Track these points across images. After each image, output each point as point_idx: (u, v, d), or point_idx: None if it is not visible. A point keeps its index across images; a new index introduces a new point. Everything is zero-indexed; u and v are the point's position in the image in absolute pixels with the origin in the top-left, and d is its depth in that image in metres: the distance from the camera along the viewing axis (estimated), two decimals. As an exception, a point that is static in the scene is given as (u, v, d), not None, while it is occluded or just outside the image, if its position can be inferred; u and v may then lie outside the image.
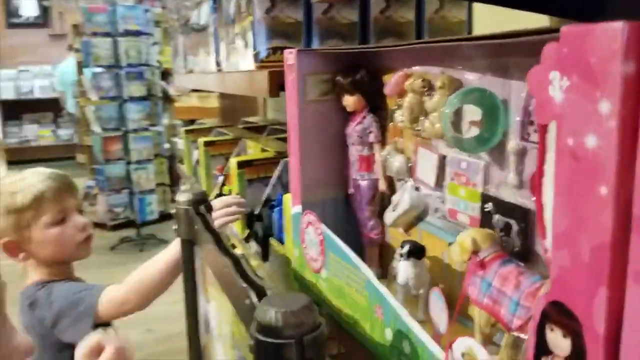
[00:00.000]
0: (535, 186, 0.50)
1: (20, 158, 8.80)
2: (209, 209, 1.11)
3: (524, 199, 0.58)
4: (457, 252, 0.57)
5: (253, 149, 1.64)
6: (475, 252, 0.55)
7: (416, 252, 0.67)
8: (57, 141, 9.13)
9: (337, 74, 0.83)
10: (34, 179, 1.28)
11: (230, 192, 1.57)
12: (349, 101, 0.82)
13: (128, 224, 5.02)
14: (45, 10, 9.23)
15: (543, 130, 0.48)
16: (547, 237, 0.49)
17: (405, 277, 0.68)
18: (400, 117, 0.73)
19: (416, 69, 0.73)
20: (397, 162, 0.76)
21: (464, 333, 0.59)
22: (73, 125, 8.03)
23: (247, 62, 1.07)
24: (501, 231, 0.61)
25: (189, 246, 1.12)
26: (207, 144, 1.74)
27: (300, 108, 0.83)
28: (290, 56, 0.82)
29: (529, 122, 0.55)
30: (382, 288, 0.65)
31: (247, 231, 1.33)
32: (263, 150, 1.54)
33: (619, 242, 0.36)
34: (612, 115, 0.35)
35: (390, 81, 0.75)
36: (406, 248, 0.67)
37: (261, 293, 0.67)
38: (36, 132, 9.16)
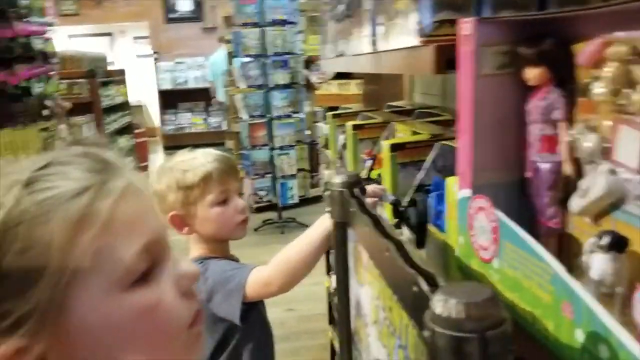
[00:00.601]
0: None
1: (175, 144, 9.60)
2: (364, 191, 1.08)
3: None
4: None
5: (403, 133, 1.59)
6: None
7: (618, 244, 0.58)
8: (208, 128, 9.82)
9: (516, 44, 0.75)
10: (204, 160, 1.36)
11: (379, 177, 1.54)
12: (532, 74, 0.73)
13: (270, 207, 5.25)
14: (198, 5, 9.90)
15: None
16: None
17: (602, 272, 0.59)
18: (599, 89, 0.64)
19: (618, 34, 0.63)
20: (589, 142, 0.67)
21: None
22: (222, 113, 8.57)
23: (408, 39, 1.02)
24: None
25: (342, 228, 1.10)
26: (356, 127, 1.73)
27: (475, 82, 0.76)
28: (466, 26, 0.75)
29: None
30: (573, 283, 0.57)
31: (395, 220, 1.29)
32: (414, 133, 1.49)
33: None
34: None
35: (585, 50, 0.66)
36: (607, 239, 0.58)
37: (432, 281, 0.62)
38: (190, 120, 9.91)
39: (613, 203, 0.65)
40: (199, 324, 0.58)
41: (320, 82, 5.05)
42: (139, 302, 0.51)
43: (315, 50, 4.77)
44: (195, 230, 1.39)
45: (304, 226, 5.05)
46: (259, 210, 5.30)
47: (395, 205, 1.30)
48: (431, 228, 1.08)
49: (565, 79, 0.72)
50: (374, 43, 1.29)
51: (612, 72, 0.62)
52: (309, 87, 5.49)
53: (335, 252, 1.10)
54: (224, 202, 1.37)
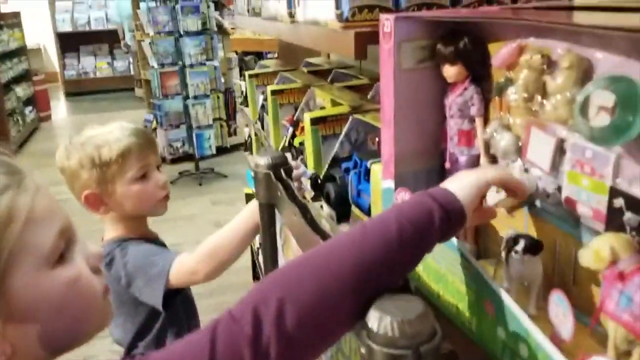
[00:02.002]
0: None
1: (78, 90, 9.02)
2: (290, 172, 1.08)
3: (665, 200, 0.52)
4: (591, 260, 0.52)
5: (322, 99, 1.59)
6: (613, 262, 0.51)
7: (533, 248, 0.62)
8: (114, 73, 9.27)
9: (435, 40, 0.76)
10: (120, 134, 1.27)
11: (301, 145, 1.54)
12: (450, 72, 0.75)
13: (187, 157, 5.13)
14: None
15: None
16: None
17: (519, 271, 0.64)
18: (513, 95, 0.67)
19: (531, 41, 0.65)
20: (504, 140, 0.71)
21: (591, 341, 0.56)
22: (130, 56, 8.09)
23: (326, 14, 1.00)
24: (632, 230, 0.56)
25: (268, 210, 1.10)
26: (275, 92, 1.70)
27: (396, 77, 0.77)
28: (387, 22, 0.75)
29: (684, 121, 0.48)
30: (495, 285, 0.62)
31: (312, 193, 1.30)
32: (333, 101, 1.49)
33: None
34: None
35: (500, 53, 0.68)
36: (522, 244, 0.62)
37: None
38: (93, 65, 9.30)
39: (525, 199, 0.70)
40: (109, 294, 0.69)
41: (234, 28, 4.88)
42: (64, 276, 0.61)
43: (226, -7, 4.58)
44: (112, 209, 1.32)
45: (223, 176, 5.02)
46: (174, 161, 5.17)
47: (315, 179, 1.31)
48: (356, 209, 1.10)
49: (482, 76, 0.75)
50: (291, 15, 1.25)
51: (524, 79, 0.65)
52: (222, 31, 5.30)
53: (262, 234, 1.11)
54: (143, 177, 1.31)
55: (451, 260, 0.70)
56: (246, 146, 2.69)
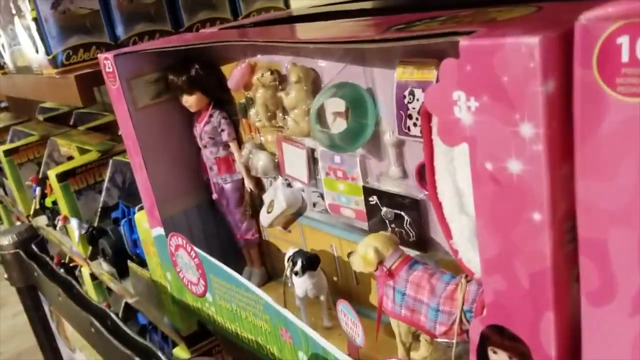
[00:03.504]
0: (429, 185, 0.47)
1: None
2: (43, 245, 0.95)
3: (410, 189, 0.56)
4: (361, 265, 0.53)
5: (67, 148, 1.43)
6: (380, 261, 0.52)
7: (311, 264, 0.62)
8: None
9: (166, 71, 0.72)
10: None
11: (55, 204, 1.37)
12: (190, 101, 0.71)
13: None
14: None
15: (427, 127, 0.44)
16: (453, 237, 0.47)
17: (304, 289, 0.63)
18: (255, 116, 0.65)
19: (260, 58, 0.65)
20: (261, 160, 0.69)
21: (385, 336, 0.57)
22: None
23: (39, 60, 0.89)
24: (392, 223, 0.58)
25: (30, 292, 0.95)
26: (9, 152, 1.48)
27: (134, 118, 0.71)
28: (107, 62, 0.68)
29: (407, 116, 0.51)
30: (284, 311, 0.60)
31: (90, 248, 1.17)
32: (80, 148, 1.35)
33: (560, 267, 0.34)
34: (538, 139, 0.32)
35: (233, 74, 0.66)
36: (299, 264, 0.61)
37: (153, 356, 0.58)
38: None
39: (295, 213, 0.70)
40: None
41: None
42: None
43: None
44: None
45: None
46: None
47: (91, 232, 1.17)
48: (134, 263, 1.00)
49: (225, 99, 0.72)
50: (0, 65, 1.09)
51: (261, 98, 0.63)
52: None
53: (29, 321, 0.95)
54: None
55: (240, 297, 0.66)
56: None
